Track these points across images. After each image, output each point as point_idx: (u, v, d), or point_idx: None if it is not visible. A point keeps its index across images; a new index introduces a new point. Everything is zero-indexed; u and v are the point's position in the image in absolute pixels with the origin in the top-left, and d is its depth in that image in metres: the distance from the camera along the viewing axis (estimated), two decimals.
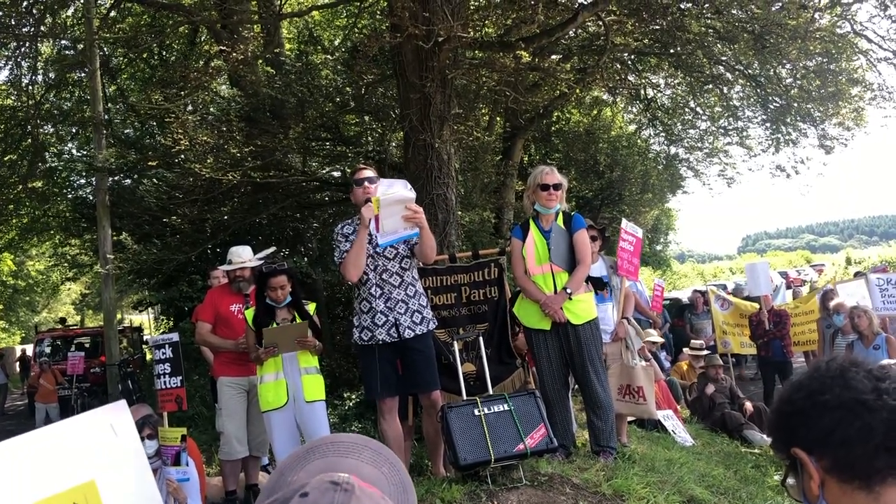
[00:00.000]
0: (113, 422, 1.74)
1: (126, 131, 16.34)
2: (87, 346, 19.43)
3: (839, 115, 13.81)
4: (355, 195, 4.62)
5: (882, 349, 7.39)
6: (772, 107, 14.11)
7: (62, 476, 1.58)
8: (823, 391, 1.32)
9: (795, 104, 13.31)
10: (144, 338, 22.69)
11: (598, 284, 5.76)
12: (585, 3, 8.69)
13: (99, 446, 1.68)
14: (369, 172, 4.65)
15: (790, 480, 1.43)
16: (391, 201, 4.10)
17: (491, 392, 4.82)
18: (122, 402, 1.82)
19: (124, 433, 1.75)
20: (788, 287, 20.94)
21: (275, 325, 4.97)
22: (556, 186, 5.04)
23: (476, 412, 4.25)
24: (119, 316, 23.69)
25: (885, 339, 7.47)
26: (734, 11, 9.99)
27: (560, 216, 5.10)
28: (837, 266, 42.87)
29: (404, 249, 4.60)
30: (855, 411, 1.26)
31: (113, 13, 15.24)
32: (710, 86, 14.23)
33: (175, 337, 5.24)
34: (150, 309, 22.64)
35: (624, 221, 6.53)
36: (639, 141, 20.21)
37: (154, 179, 11.92)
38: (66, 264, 21.79)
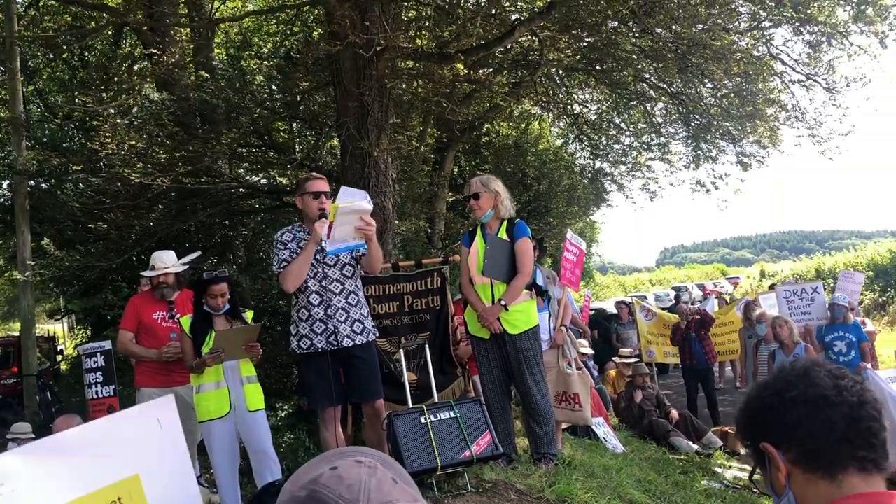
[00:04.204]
0: (160, 416, 1.73)
1: (45, 133, 15.69)
2: None
3: (756, 133, 14.37)
4: (308, 206, 4.51)
5: None
6: (693, 124, 14.58)
7: (108, 470, 1.58)
8: (790, 388, 1.43)
9: (715, 122, 13.77)
10: (59, 348, 21.81)
11: (539, 292, 5.84)
12: (522, 18, 8.85)
13: (145, 441, 1.68)
14: (326, 185, 4.56)
15: (757, 476, 1.53)
16: (349, 210, 4.05)
17: (436, 400, 4.83)
18: (170, 397, 1.82)
19: (169, 428, 1.73)
20: (705, 297, 21.77)
21: (224, 329, 4.86)
22: (475, 196, 5.12)
23: (423, 420, 4.26)
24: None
25: (804, 348, 7.81)
26: (658, 31, 10.29)
27: (504, 224, 5.16)
28: (752, 279, 44.54)
29: (346, 257, 4.56)
30: (819, 406, 1.38)
31: (32, 11, 14.67)
32: (635, 102, 14.63)
33: (107, 345, 5.09)
34: (65, 318, 21.77)
35: (569, 233, 6.67)
36: (565, 155, 20.58)
37: (79, 184, 11.47)
38: None
